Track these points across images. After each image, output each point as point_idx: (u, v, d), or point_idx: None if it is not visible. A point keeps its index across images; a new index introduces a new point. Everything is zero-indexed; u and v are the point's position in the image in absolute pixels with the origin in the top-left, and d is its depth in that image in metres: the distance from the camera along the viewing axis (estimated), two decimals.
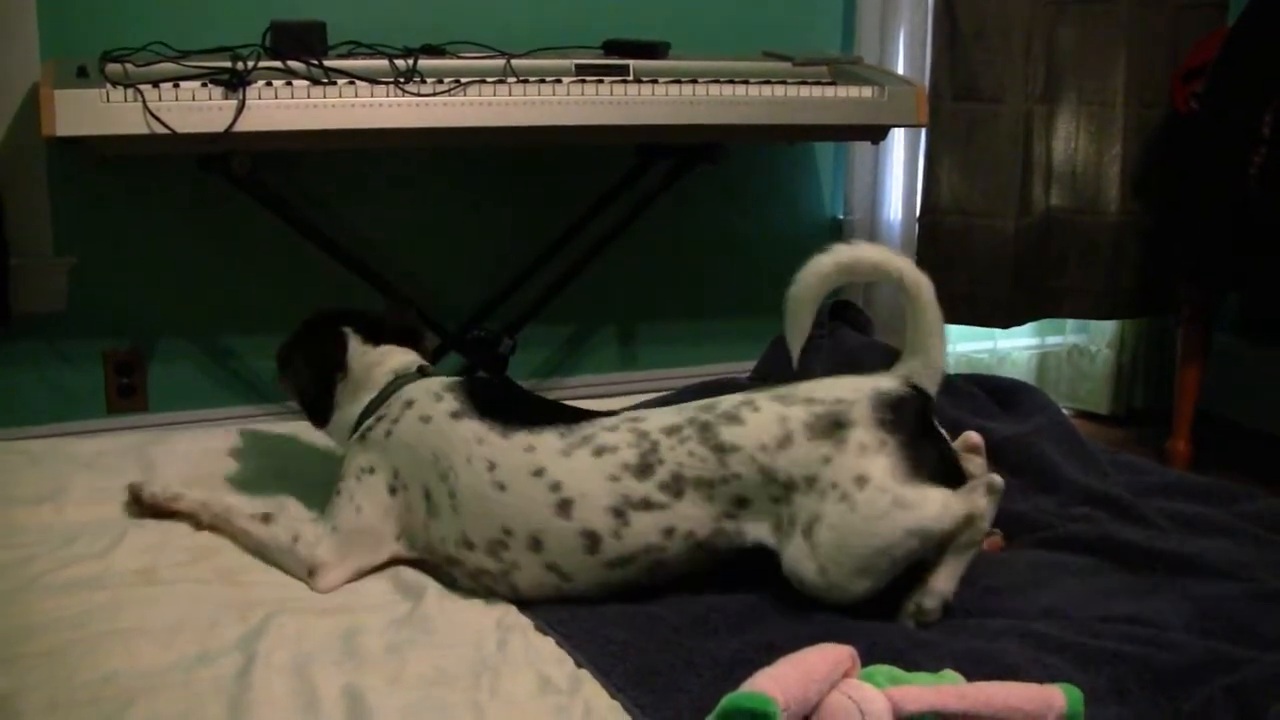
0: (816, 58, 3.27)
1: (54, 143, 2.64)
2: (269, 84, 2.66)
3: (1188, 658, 1.65)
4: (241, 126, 2.61)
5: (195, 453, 2.33)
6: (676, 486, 1.84)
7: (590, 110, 2.90)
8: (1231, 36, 3.35)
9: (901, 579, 1.81)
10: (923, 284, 1.87)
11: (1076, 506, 2.18)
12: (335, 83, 2.71)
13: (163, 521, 2.03)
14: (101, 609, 1.74)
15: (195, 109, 2.60)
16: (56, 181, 3.00)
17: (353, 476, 1.96)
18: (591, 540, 1.84)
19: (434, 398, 1.98)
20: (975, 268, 3.63)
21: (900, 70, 3.61)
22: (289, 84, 2.68)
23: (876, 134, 3.33)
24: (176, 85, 2.60)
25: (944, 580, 1.80)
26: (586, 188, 3.34)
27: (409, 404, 1.99)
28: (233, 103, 2.61)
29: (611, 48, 3.16)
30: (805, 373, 2.02)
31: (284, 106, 2.66)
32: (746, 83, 3.04)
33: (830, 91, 3.11)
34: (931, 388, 1.90)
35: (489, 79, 2.83)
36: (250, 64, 2.67)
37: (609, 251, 3.28)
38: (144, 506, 2.06)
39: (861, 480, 1.78)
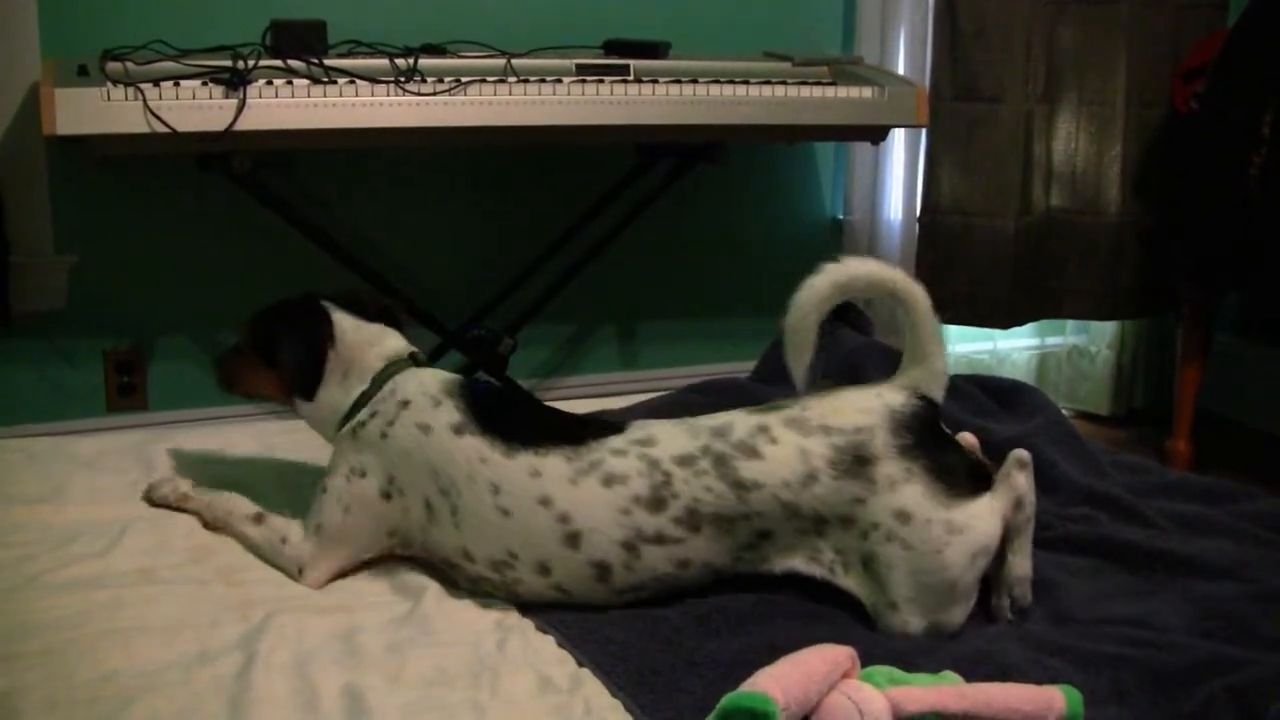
0: (817, 58, 3.27)
1: (54, 141, 2.64)
2: (269, 83, 2.66)
3: (1188, 658, 1.65)
4: (242, 125, 2.61)
5: (195, 452, 2.33)
6: (692, 521, 1.78)
7: (591, 110, 2.90)
8: (1232, 37, 3.35)
9: None
10: (918, 294, 1.83)
11: (1076, 507, 2.18)
12: (336, 82, 2.71)
13: (162, 520, 2.03)
14: (101, 608, 1.73)
15: (196, 108, 2.60)
16: (57, 180, 3.00)
17: (341, 475, 1.91)
18: (602, 570, 1.80)
19: (432, 403, 1.89)
20: (975, 268, 3.63)
21: (900, 70, 3.61)
22: (289, 83, 2.68)
23: (877, 134, 3.33)
24: (177, 84, 2.60)
25: (1020, 565, 1.82)
26: (587, 187, 3.34)
27: (405, 404, 1.90)
28: (233, 102, 2.61)
29: (612, 48, 3.16)
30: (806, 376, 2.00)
31: (284, 106, 2.66)
32: (747, 83, 3.04)
33: (830, 92, 3.11)
34: (938, 395, 1.87)
35: (489, 78, 2.83)
36: (251, 63, 2.67)
37: (609, 251, 3.28)
38: (155, 505, 2.07)
39: (903, 515, 1.75)
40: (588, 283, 3.34)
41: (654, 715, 1.55)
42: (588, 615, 1.80)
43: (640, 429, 1.88)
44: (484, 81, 2.82)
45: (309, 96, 2.68)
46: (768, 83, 3.06)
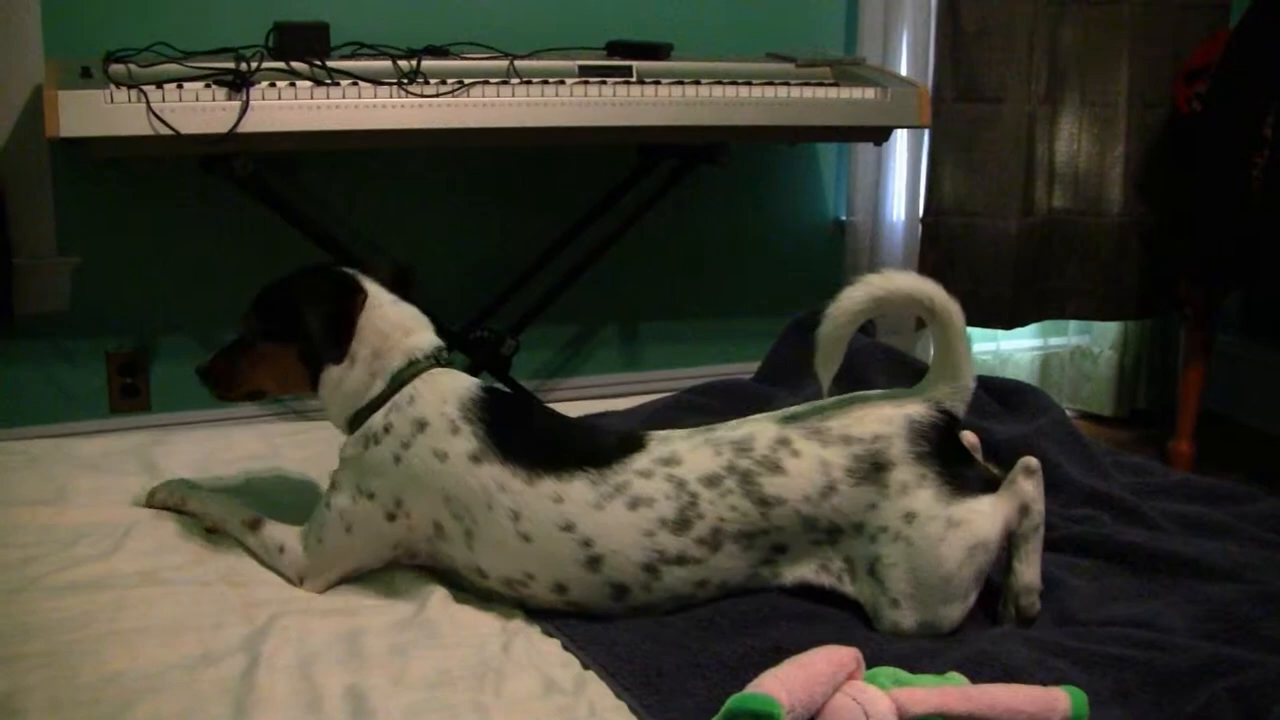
0: (819, 59, 3.27)
1: (57, 143, 2.64)
2: (272, 85, 2.67)
3: (1191, 660, 1.65)
4: (245, 127, 2.61)
5: (198, 453, 2.32)
6: (715, 541, 1.78)
7: (593, 111, 2.90)
8: (1234, 37, 3.35)
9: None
10: (954, 311, 1.79)
11: (1079, 508, 2.18)
12: (338, 84, 2.71)
13: (165, 522, 2.03)
14: (104, 609, 1.73)
15: (199, 110, 2.60)
16: (60, 182, 3.01)
17: (347, 495, 1.86)
18: (620, 591, 1.80)
19: (450, 428, 1.82)
20: (978, 268, 3.63)
21: (903, 71, 3.61)
22: (292, 85, 2.68)
23: (879, 135, 3.33)
24: (180, 86, 2.60)
25: (1028, 573, 1.81)
26: (589, 189, 3.34)
27: (422, 426, 1.83)
28: (236, 104, 2.61)
29: (614, 49, 3.17)
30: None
31: (287, 107, 2.67)
32: (749, 84, 3.04)
33: (833, 92, 3.12)
34: (960, 411, 1.85)
35: (492, 80, 2.83)
36: (254, 65, 2.67)
37: (612, 252, 3.28)
38: (155, 507, 2.06)
39: (910, 516, 1.76)
40: (590, 284, 3.34)
41: (659, 717, 1.55)
42: (593, 619, 1.80)
43: (662, 444, 1.84)
44: (487, 83, 2.82)
45: (312, 98, 2.68)
46: (770, 84, 3.07)
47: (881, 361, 2.48)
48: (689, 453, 1.81)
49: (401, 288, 1.99)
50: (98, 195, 3.07)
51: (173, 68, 2.68)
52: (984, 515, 1.77)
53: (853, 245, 3.74)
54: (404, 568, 1.92)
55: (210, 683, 1.57)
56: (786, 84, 3.08)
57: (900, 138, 3.65)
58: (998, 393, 2.54)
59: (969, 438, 2.06)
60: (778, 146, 3.64)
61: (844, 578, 1.80)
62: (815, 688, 1.39)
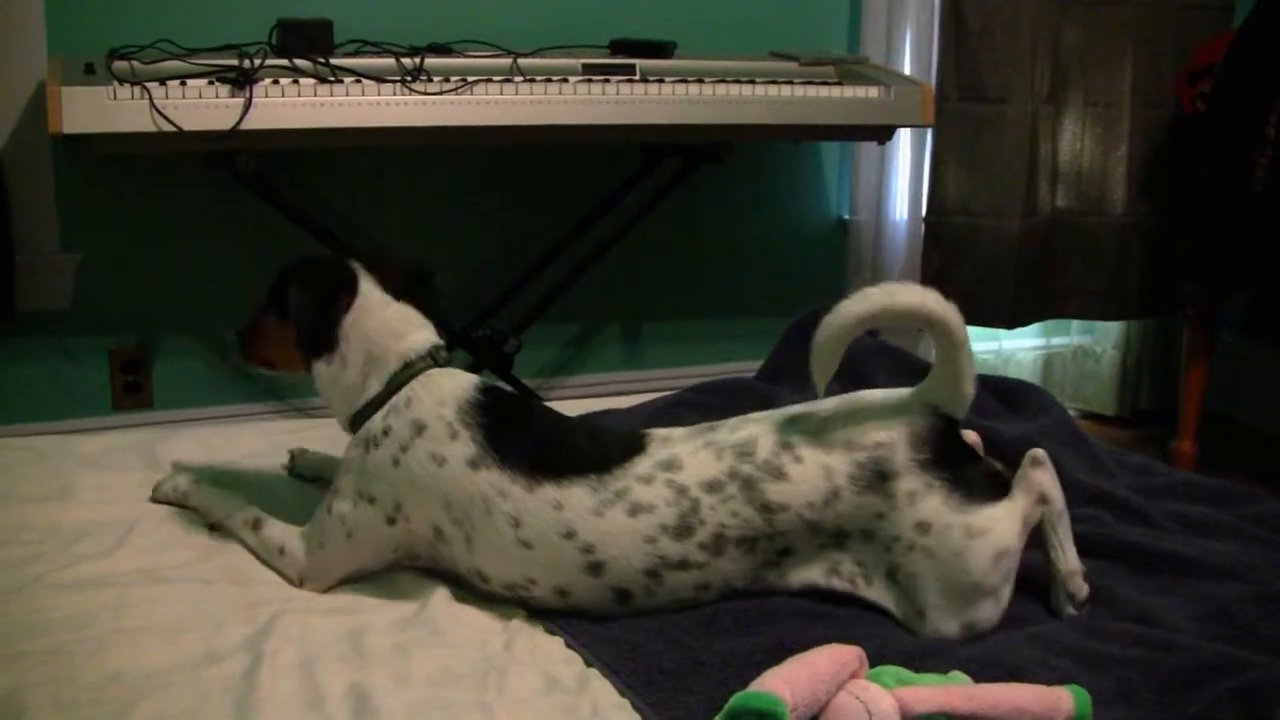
0: (823, 58, 3.27)
1: (60, 140, 2.64)
2: (276, 82, 2.66)
3: (1194, 660, 1.65)
4: (248, 124, 2.61)
5: (200, 450, 2.32)
6: (717, 546, 1.78)
7: (596, 109, 2.90)
8: (1238, 38, 3.34)
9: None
10: (954, 324, 1.78)
11: (1082, 508, 2.17)
12: (342, 81, 2.71)
13: (168, 520, 2.03)
14: (107, 608, 1.73)
15: (202, 107, 2.60)
16: (62, 178, 3.01)
17: (348, 499, 1.86)
18: (623, 596, 1.79)
19: (449, 432, 1.81)
20: (980, 268, 3.63)
21: (906, 70, 3.61)
22: (296, 82, 2.68)
23: (882, 134, 3.33)
24: (183, 83, 2.60)
25: (1067, 559, 1.82)
26: (592, 187, 3.34)
27: (420, 429, 1.82)
28: (239, 101, 2.61)
29: (618, 47, 3.17)
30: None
31: (290, 105, 2.67)
32: (753, 82, 3.04)
33: (836, 91, 3.11)
34: (960, 415, 1.85)
35: (495, 78, 2.83)
36: (257, 62, 2.67)
37: (614, 251, 3.28)
38: (158, 502, 2.07)
39: (923, 526, 1.75)
40: (593, 282, 3.34)
41: (662, 715, 1.54)
42: (596, 618, 1.79)
43: (663, 447, 1.83)
44: (490, 81, 2.82)
45: (315, 96, 2.68)
46: (774, 82, 3.06)
47: (884, 360, 2.48)
48: (689, 456, 1.81)
49: (413, 285, 1.98)
50: (100, 192, 3.07)
51: (176, 65, 2.68)
52: (1003, 521, 1.77)
53: (855, 244, 3.74)
54: (406, 566, 1.92)
55: (213, 681, 1.57)
56: (790, 83, 3.08)
57: (903, 137, 3.65)
58: (1000, 392, 2.54)
59: (970, 436, 2.06)
60: (781, 145, 3.63)
61: (858, 581, 1.80)
62: (818, 686, 1.39)
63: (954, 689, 1.45)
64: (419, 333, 1.92)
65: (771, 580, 1.81)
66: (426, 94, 2.76)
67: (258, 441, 2.37)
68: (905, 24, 3.64)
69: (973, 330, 3.89)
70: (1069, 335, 4.16)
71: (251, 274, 3.19)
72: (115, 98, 2.55)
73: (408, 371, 1.88)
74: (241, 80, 2.62)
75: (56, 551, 1.89)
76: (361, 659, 1.65)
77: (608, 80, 2.92)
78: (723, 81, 3.00)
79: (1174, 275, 3.64)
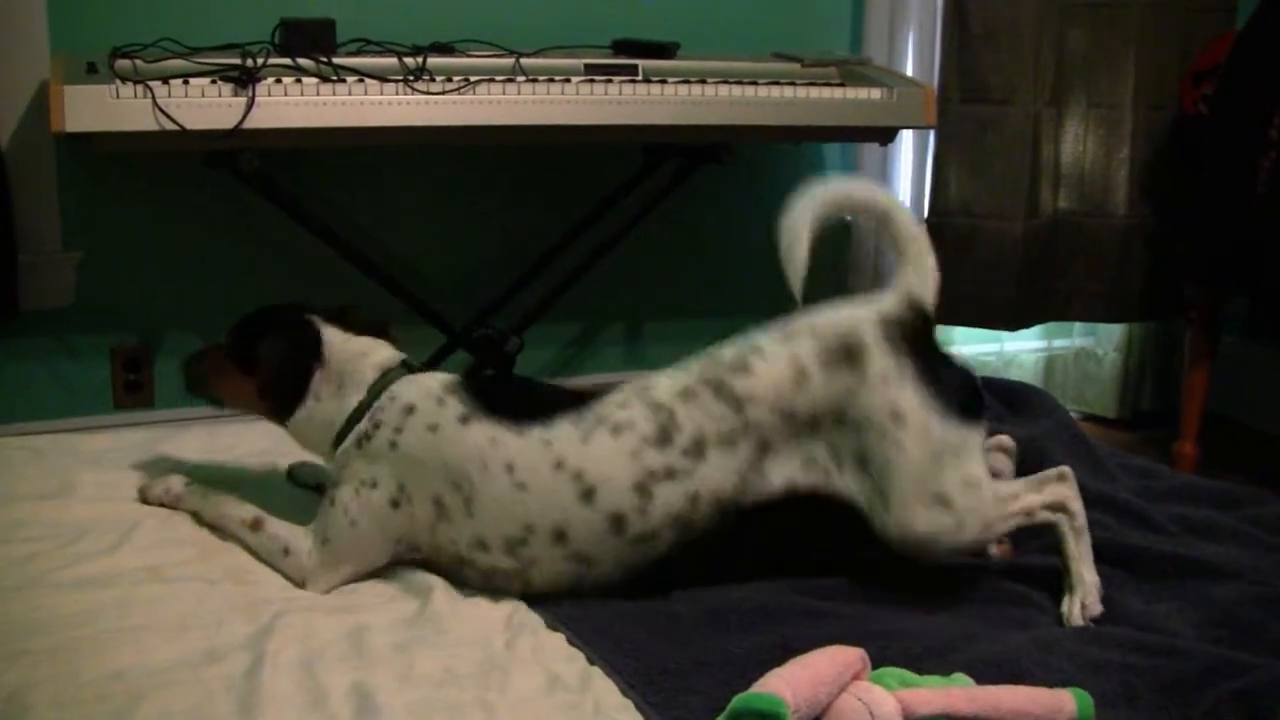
0: (825, 59, 3.27)
1: (63, 138, 2.64)
2: (278, 81, 2.66)
3: (1196, 663, 1.65)
4: (251, 124, 2.61)
5: (202, 449, 2.32)
6: (698, 449, 1.83)
7: (598, 110, 2.90)
8: (1241, 39, 3.34)
9: None
10: (894, 205, 1.96)
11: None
12: (344, 80, 2.71)
13: (170, 519, 2.03)
14: (109, 606, 1.73)
15: (204, 106, 2.60)
16: (65, 177, 3.01)
17: (349, 488, 1.89)
18: (617, 522, 1.83)
19: (437, 402, 1.90)
20: (982, 269, 3.62)
21: (909, 72, 3.61)
22: (298, 81, 2.68)
23: (885, 135, 3.33)
24: (186, 82, 2.60)
25: (1087, 573, 1.85)
26: (594, 187, 3.34)
27: (410, 410, 1.89)
28: (242, 100, 2.61)
29: (620, 47, 3.16)
30: None
31: (293, 104, 2.66)
32: (755, 83, 3.04)
33: (839, 93, 3.11)
34: (929, 298, 1.93)
35: (498, 78, 2.83)
36: (260, 61, 2.67)
37: (616, 251, 3.27)
38: (150, 504, 2.06)
39: (897, 416, 1.81)
40: (595, 282, 3.34)
41: (664, 714, 1.54)
42: (599, 612, 1.79)
43: (639, 380, 1.94)
44: (492, 80, 2.82)
45: (318, 95, 2.68)
46: (776, 83, 3.06)
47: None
48: (663, 378, 1.92)
49: (372, 334, 2.06)
50: (103, 191, 3.06)
51: (179, 63, 2.67)
52: (975, 452, 1.84)
53: (857, 245, 3.73)
54: (406, 563, 1.92)
55: (215, 680, 1.57)
56: (792, 84, 3.08)
57: (905, 138, 3.65)
58: (1003, 395, 2.55)
59: (1006, 441, 2.08)
60: (783, 146, 3.63)
61: (831, 471, 1.86)
62: (821, 688, 1.39)
63: (956, 691, 1.45)
64: (385, 350, 2.02)
65: (755, 485, 1.85)
66: (429, 93, 2.76)
67: (260, 441, 2.36)
68: (908, 25, 3.64)
69: (974, 332, 3.93)
70: (1070, 337, 4.16)
71: (253, 273, 3.21)
72: (118, 96, 2.55)
73: (386, 378, 1.96)
74: (244, 79, 2.62)
75: (58, 550, 1.89)
76: (363, 658, 1.65)
77: (610, 80, 2.91)
78: (725, 82, 3.00)
79: (1176, 277, 3.64)
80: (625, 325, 3.68)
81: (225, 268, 3.19)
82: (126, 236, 3.11)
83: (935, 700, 1.42)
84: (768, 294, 3.69)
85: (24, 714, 1.48)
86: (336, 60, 2.76)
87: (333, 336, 1.99)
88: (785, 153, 3.69)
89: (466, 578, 1.90)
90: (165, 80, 2.59)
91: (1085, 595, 1.84)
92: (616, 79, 2.92)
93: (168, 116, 2.56)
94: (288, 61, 2.72)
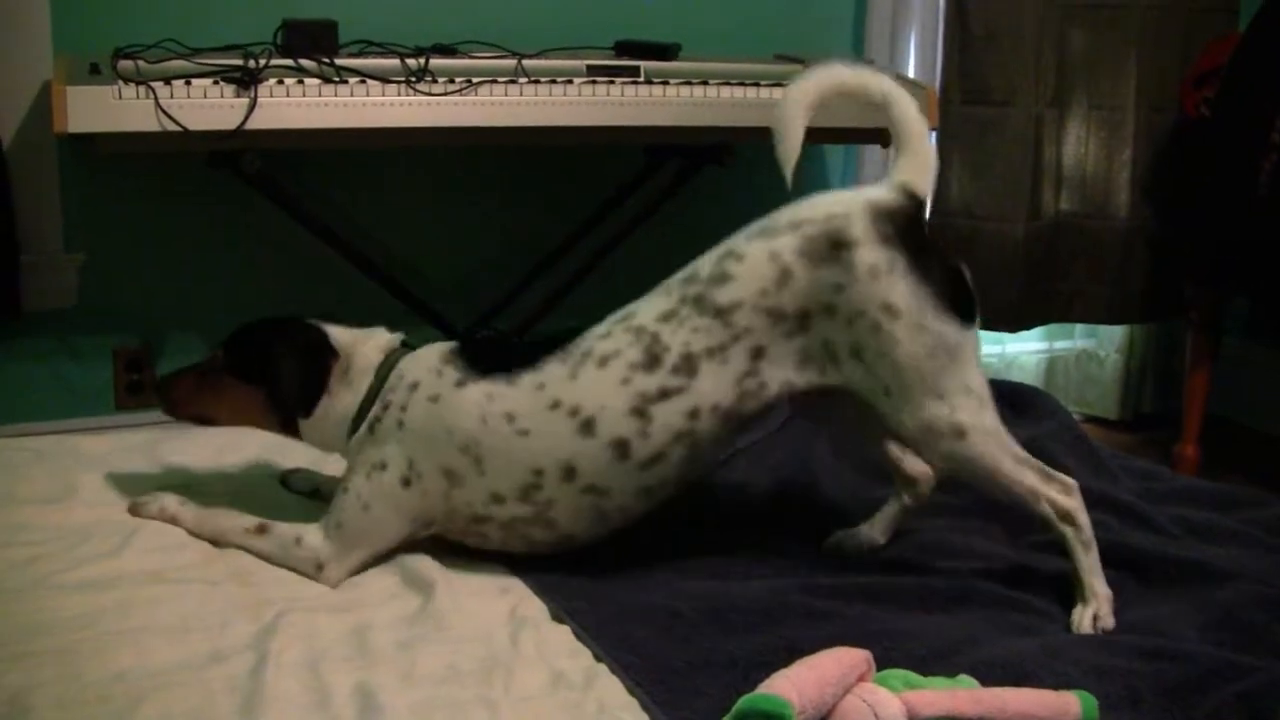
0: (828, 60, 3.26)
1: (65, 139, 2.64)
2: (280, 82, 2.66)
3: (1199, 665, 1.65)
4: (253, 124, 2.61)
5: (205, 452, 2.32)
6: (689, 366, 1.84)
7: (600, 111, 2.90)
8: (1243, 42, 3.34)
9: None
10: (896, 92, 1.89)
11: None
12: (347, 81, 2.71)
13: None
14: (112, 608, 1.73)
15: (207, 106, 2.60)
16: (67, 178, 3.00)
17: (362, 474, 1.92)
18: (621, 448, 1.85)
19: (435, 374, 1.94)
20: (984, 271, 3.60)
21: (910, 73, 3.61)
22: (300, 82, 2.68)
23: (886, 137, 3.31)
24: (188, 83, 2.60)
25: (1098, 585, 1.84)
26: (596, 188, 3.34)
27: (414, 386, 1.93)
28: (244, 101, 2.61)
29: (623, 49, 3.16)
30: None
31: (295, 105, 2.66)
32: (757, 85, 3.04)
33: None
34: (924, 187, 1.90)
35: (500, 79, 2.83)
36: (262, 62, 2.67)
37: (617, 252, 3.27)
38: (142, 517, 2.05)
39: (890, 310, 1.78)
40: (596, 284, 3.33)
41: (670, 713, 1.54)
42: (606, 607, 1.78)
43: (618, 312, 1.96)
44: (494, 82, 2.81)
45: (320, 96, 2.68)
46: (778, 85, 3.06)
47: None
48: (641, 305, 1.93)
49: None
50: (105, 192, 3.06)
51: (181, 64, 2.67)
52: (971, 358, 1.81)
53: None
54: (409, 557, 1.91)
55: (218, 681, 1.57)
56: None
57: None
58: (1005, 396, 2.53)
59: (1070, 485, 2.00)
60: None
61: (827, 367, 1.83)
62: (826, 689, 1.39)
63: (961, 693, 1.45)
64: (384, 333, 2.06)
65: (754, 393, 1.85)
66: (431, 95, 2.75)
67: (263, 445, 2.36)
68: (910, 27, 3.64)
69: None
70: (1072, 339, 4.16)
71: (255, 274, 3.20)
72: (120, 97, 2.54)
73: (390, 359, 2.00)
74: (246, 80, 2.62)
75: (61, 552, 1.89)
76: (366, 657, 1.65)
77: (612, 82, 2.91)
78: (727, 84, 3.00)
79: (1177, 279, 3.64)
80: None
81: (227, 268, 3.19)
82: (128, 237, 3.11)
83: (940, 702, 1.42)
84: None
85: (26, 715, 1.48)
86: (338, 61, 2.76)
87: (335, 331, 2.03)
88: None
89: (488, 536, 1.92)
90: (168, 81, 2.59)
91: (1099, 607, 1.83)
92: (618, 80, 2.92)
93: (170, 117, 2.56)
94: (290, 62, 2.72)
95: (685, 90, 2.97)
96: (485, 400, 1.89)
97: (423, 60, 2.81)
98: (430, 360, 1.97)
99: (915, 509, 2.10)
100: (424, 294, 3.10)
